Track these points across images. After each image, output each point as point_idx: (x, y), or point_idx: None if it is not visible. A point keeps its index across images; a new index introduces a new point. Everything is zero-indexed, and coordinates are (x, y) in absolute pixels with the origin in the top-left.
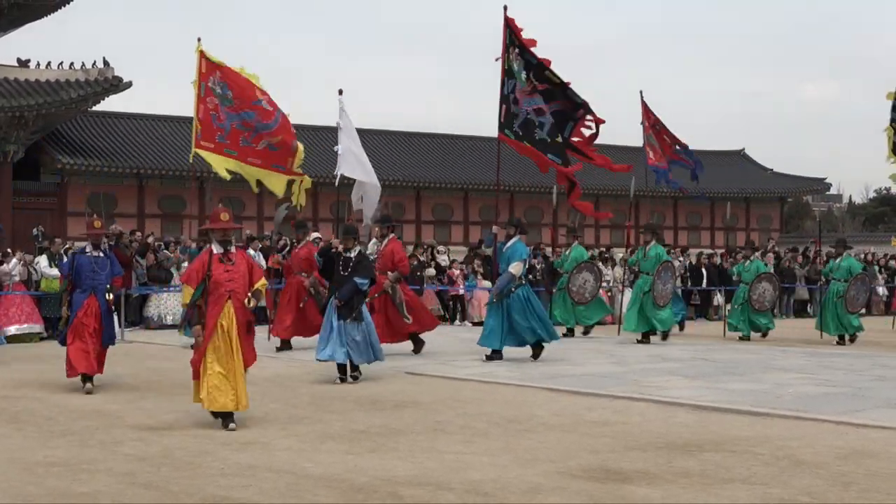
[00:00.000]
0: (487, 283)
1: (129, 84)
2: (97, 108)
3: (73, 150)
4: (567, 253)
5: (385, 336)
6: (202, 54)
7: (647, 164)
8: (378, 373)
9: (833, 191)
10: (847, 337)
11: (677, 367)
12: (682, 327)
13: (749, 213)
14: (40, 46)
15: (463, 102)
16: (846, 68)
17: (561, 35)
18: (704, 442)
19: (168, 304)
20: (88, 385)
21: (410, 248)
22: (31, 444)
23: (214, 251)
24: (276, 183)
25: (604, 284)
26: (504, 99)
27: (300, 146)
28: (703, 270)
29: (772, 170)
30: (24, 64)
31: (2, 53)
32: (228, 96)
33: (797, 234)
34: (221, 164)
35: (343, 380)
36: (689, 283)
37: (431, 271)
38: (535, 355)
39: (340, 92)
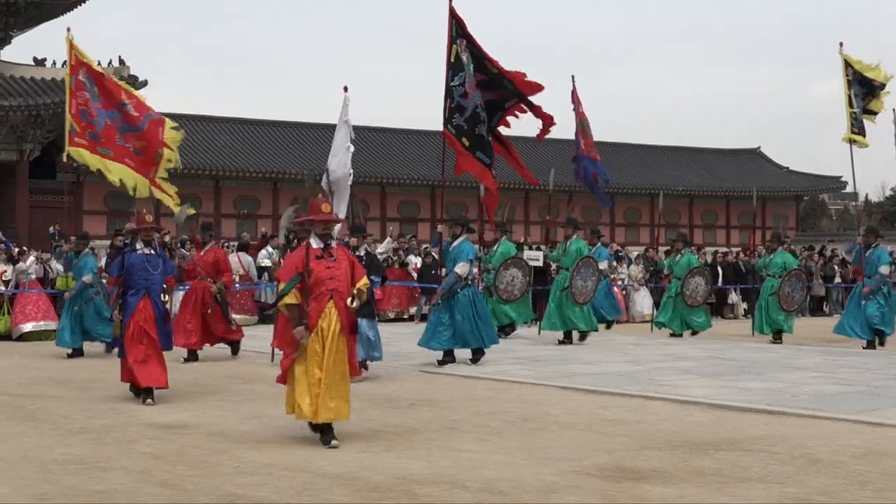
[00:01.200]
0: None
1: (145, 83)
2: None
3: None
4: (495, 249)
5: None
6: (72, 46)
7: (578, 153)
8: (393, 371)
9: (849, 189)
10: (771, 334)
11: (693, 366)
12: (609, 326)
13: (765, 212)
14: (56, 45)
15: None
16: None
17: (575, 32)
18: (720, 441)
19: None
20: (149, 400)
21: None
22: (46, 442)
23: (314, 245)
24: (139, 185)
25: (619, 283)
26: (449, 92)
27: (167, 153)
28: (719, 269)
29: (787, 168)
30: (40, 63)
31: (18, 52)
32: (96, 92)
33: (813, 233)
34: (96, 164)
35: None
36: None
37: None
38: (475, 360)
39: (346, 89)
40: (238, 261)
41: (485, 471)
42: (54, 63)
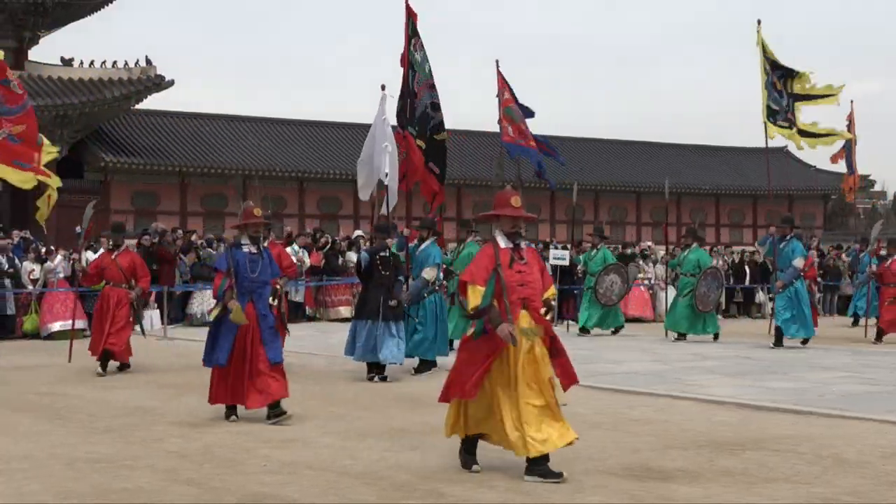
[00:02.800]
0: None
1: (172, 82)
2: (140, 106)
3: (116, 148)
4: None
5: None
6: None
7: (503, 140)
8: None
9: (877, 188)
10: (681, 335)
11: (719, 366)
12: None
13: (792, 211)
14: (83, 45)
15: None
16: (891, 65)
17: (610, 32)
18: (746, 441)
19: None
20: (233, 417)
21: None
22: (73, 441)
23: (502, 245)
24: (22, 181)
25: (644, 282)
26: (408, 94)
27: (46, 141)
28: (746, 268)
29: (815, 167)
30: (67, 63)
31: (46, 53)
32: None
33: (841, 232)
34: None
35: (381, 378)
36: (732, 281)
37: None
38: (420, 370)
39: (383, 87)
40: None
41: (511, 470)
42: (81, 63)
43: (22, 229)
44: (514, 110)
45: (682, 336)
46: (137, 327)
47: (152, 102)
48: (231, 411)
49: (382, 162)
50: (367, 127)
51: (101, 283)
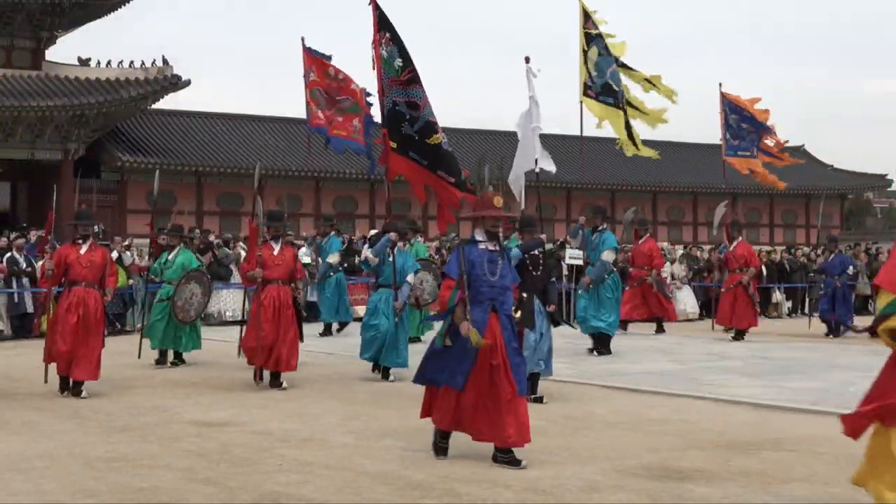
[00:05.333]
0: None
1: (188, 82)
2: (156, 106)
3: (132, 147)
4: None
5: None
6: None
7: (310, 125)
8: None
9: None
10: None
11: (737, 366)
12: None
13: (809, 210)
14: (100, 45)
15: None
16: None
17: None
18: (764, 441)
19: (227, 300)
20: (524, 463)
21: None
22: (91, 440)
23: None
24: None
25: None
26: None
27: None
28: (763, 268)
29: (832, 166)
30: (84, 63)
31: (63, 53)
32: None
33: (858, 231)
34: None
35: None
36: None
37: None
38: (385, 376)
39: (527, 60)
40: None
41: (528, 469)
42: (98, 63)
43: (40, 228)
44: (320, 93)
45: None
46: None
47: (169, 102)
48: (444, 440)
49: (533, 145)
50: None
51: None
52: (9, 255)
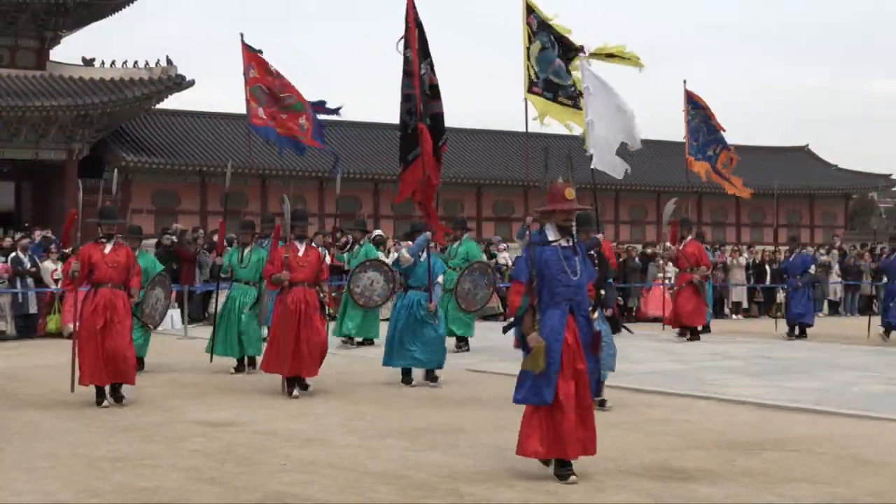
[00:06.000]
0: None
1: (192, 82)
2: (160, 106)
3: (136, 147)
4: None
5: None
6: None
7: (250, 122)
8: (439, 371)
9: None
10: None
11: (739, 366)
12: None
13: (813, 210)
14: (104, 45)
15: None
16: None
17: (627, 31)
18: (767, 441)
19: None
20: (573, 478)
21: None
22: (95, 440)
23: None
24: None
25: (666, 282)
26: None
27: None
28: (767, 267)
29: (836, 166)
30: (88, 63)
31: (67, 53)
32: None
33: (862, 231)
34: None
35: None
36: (753, 280)
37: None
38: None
39: (582, 49)
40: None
41: (531, 469)
42: (103, 63)
43: (44, 228)
44: (261, 90)
45: (462, 341)
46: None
47: (173, 102)
48: (565, 468)
49: (619, 123)
50: (384, 126)
51: None
52: (13, 254)
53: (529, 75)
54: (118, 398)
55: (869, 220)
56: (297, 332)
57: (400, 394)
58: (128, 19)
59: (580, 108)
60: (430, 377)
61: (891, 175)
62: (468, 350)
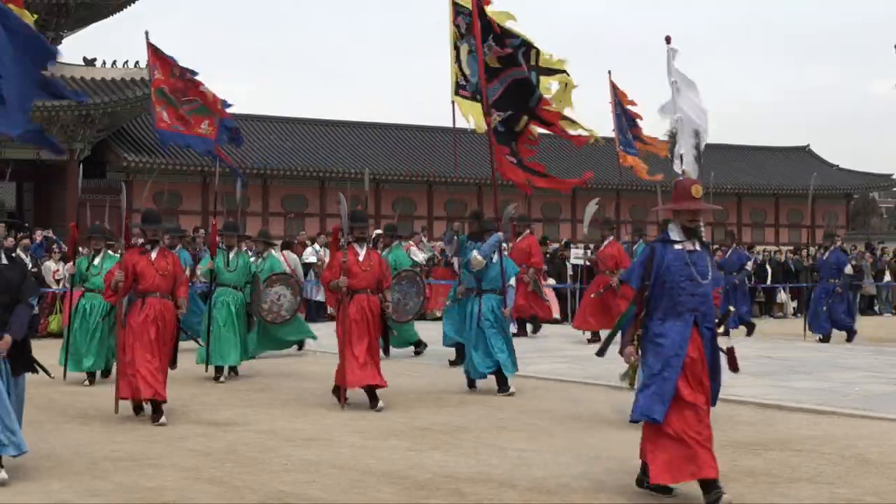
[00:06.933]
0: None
1: None
2: None
3: (138, 147)
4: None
5: None
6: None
7: (157, 127)
8: (441, 370)
9: None
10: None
11: (742, 365)
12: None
13: (814, 210)
14: (106, 46)
15: None
16: None
17: (628, 27)
18: (769, 441)
19: None
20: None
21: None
22: (97, 440)
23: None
24: None
25: None
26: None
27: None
28: (768, 268)
29: (837, 166)
30: (90, 63)
31: (68, 53)
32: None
33: (863, 231)
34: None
35: None
36: (754, 280)
37: None
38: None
39: (668, 40)
40: (284, 259)
41: (533, 469)
42: (104, 63)
43: (45, 229)
44: (167, 92)
45: (418, 346)
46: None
47: None
48: (711, 489)
49: (697, 123)
50: (386, 126)
51: None
52: (14, 255)
53: (457, 78)
54: (157, 418)
55: (870, 219)
56: (370, 343)
57: (402, 394)
58: (129, 19)
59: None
60: (503, 386)
61: (892, 175)
62: (422, 352)
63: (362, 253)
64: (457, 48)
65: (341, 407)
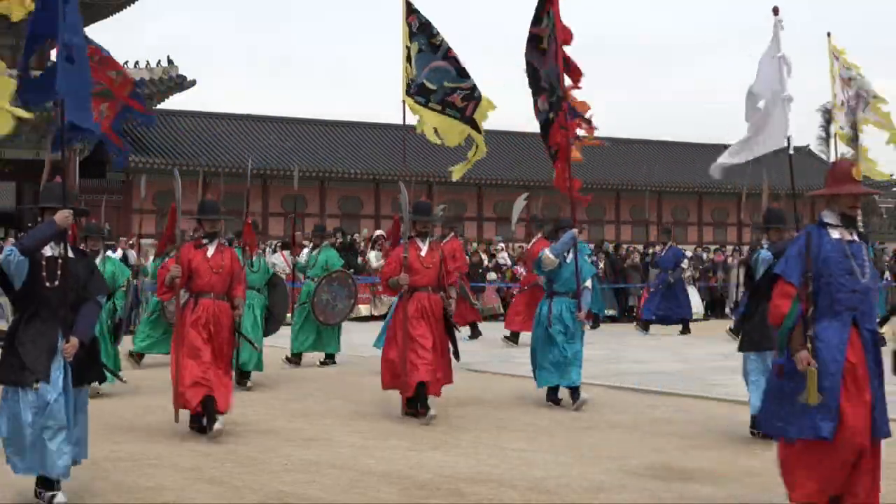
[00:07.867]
0: None
1: (194, 83)
2: (161, 106)
3: (138, 148)
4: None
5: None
6: None
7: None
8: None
9: None
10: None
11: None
12: None
13: (814, 210)
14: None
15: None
16: None
17: (635, 31)
18: (770, 441)
19: None
20: None
21: (473, 244)
22: (97, 440)
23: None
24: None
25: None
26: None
27: None
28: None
29: None
30: None
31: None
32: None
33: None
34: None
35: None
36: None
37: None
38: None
39: (776, 11)
40: (284, 260)
41: (532, 469)
42: None
43: None
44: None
45: (330, 358)
46: None
47: (174, 103)
48: None
49: (785, 118)
50: (386, 126)
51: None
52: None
53: (409, 77)
54: (211, 427)
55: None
56: (436, 341)
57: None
58: (129, 19)
59: (451, 116)
60: (576, 397)
61: (892, 175)
62: (334, 363)
63: (424, 248)
64: (408, 47)
65: (413, 415)
